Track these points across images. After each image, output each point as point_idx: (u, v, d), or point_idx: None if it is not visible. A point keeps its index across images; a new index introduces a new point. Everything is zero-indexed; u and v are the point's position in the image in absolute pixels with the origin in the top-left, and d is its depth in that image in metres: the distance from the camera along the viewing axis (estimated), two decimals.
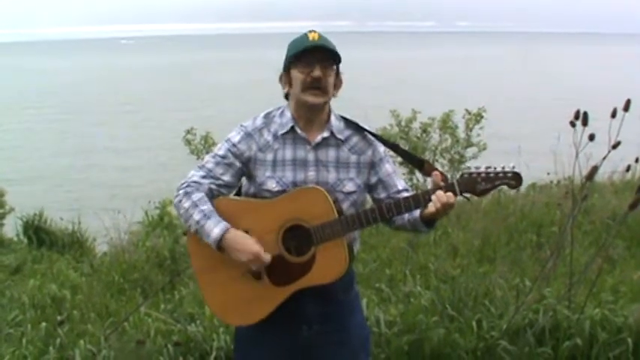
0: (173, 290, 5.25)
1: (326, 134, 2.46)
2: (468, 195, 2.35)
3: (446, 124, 10.23)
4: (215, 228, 2.38)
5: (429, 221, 2.39)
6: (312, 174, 2.44)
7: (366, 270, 5.13)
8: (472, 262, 5.10)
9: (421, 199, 2.33)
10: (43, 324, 4.29)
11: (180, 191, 2.48)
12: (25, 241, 8.66)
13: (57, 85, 48.57)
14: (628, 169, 4.59)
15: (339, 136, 2.48)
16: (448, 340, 3.78)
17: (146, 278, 5.92)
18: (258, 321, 2.47)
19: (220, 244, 2.38)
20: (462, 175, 2.34)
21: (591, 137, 3.77)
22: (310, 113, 2.45)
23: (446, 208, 2.29)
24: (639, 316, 3.78)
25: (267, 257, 2.36)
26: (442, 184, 2.32)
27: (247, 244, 2.36)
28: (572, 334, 3.74)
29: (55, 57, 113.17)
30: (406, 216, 2.45)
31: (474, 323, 3.86)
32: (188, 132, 10.21)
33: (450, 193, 2.29)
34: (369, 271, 5.16)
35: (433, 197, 2.30)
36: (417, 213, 2.41)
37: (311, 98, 2.39)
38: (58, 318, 4.42)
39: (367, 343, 2.72)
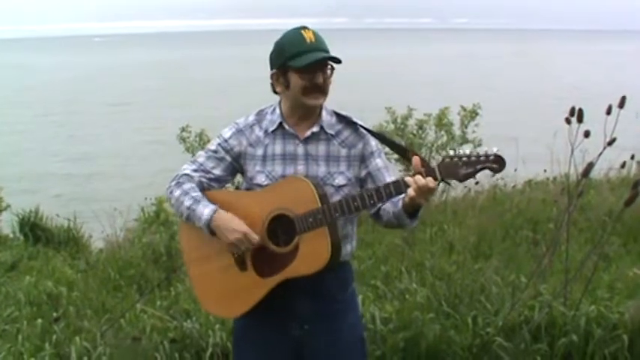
0: (169, 287, 5.26)
1: (315, 129, 2.46)
2: (450, 181, 2.27)
3: (441, 120, 10.23)
4: (205, 209, 2.42)
5: (411, 213, 2.34)
6: (301, 168, 2.45)
7: (361, 267, 5.13)
8: (468, 259, 5.10)
9: (402, 184, 2.27)
10: (39, 320, 4.29)
11: (172, 182, 2.54)
12: (21, 237, 8.62)
13: (40, 83, 47.90)
14: (623, 165, 4.59)
15: (330, 131, 2.48)
16: (444, 336, 3.78)
17: (142, 275, 5.93)
18: (244, 313, 2.47)
19: (210, 225, 2.41)
20: (442, 160, 2.25)
21: (586, 134, 3.77)
22: (308, 113, 2.46)
23: (424, 192, 2.22)
24: (635, 313, 3.79)
25: (255, 237, 2.38)
26: (422, 169, 2.24)
27: (235, 224, 2.39)
28: (567, 330, 3.75)
29: (28, 55, 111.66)
30: (392, 210, 2.42)
31: (469, 320, 3.86)
32: (183, 129, 10.19)
33: (429, 178, 2.22)
34: (365, 268, 5.16)
35: (410, 180, 2.23)
36: (401, 205, 2.36)
37: (313, 102, 2.40)
38: (54, 315, 4.44)
39: (361, 344, 2.65)
